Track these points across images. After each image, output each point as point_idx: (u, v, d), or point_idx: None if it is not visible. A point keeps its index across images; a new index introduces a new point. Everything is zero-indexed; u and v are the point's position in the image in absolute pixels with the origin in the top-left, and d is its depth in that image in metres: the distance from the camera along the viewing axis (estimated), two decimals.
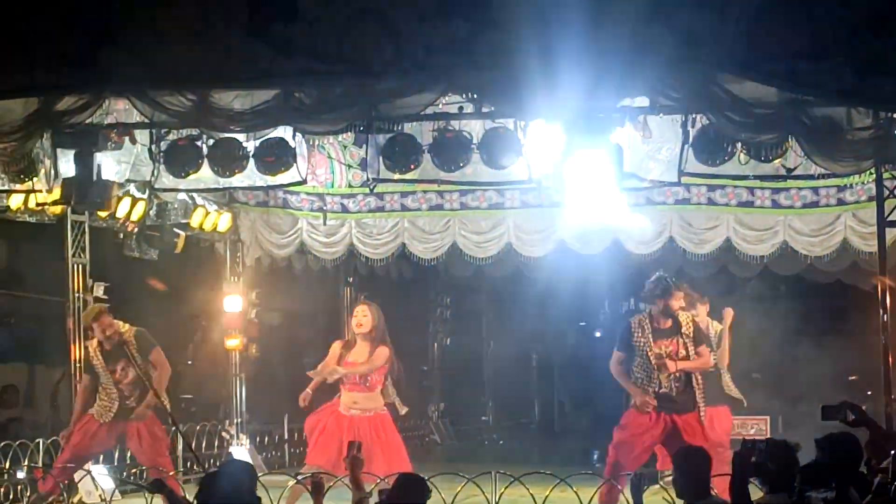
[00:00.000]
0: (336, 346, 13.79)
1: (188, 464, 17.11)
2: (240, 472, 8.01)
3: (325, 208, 17.60)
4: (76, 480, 14.27)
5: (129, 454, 15.43)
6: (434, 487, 11.80)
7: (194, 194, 16.27)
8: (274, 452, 19.24)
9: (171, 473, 13.77)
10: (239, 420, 18.61)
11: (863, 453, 8.27)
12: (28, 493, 14.31)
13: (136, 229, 16.66)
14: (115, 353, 13.85)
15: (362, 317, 13.60)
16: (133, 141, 12.39)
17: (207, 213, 17.24)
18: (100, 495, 14.26)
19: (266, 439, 19.25)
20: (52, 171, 12.05)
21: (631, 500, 8.74)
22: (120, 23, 11.13)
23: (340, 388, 13.69)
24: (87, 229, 15.88)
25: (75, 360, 15.56)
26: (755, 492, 8.05)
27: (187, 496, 8.66)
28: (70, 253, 15.78)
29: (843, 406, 8.57)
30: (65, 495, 13.91)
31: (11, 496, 14.76)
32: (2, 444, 14.93)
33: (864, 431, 8.55)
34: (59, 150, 11.97)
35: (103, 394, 13.95)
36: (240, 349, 18.66)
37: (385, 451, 13.36)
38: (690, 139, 11.30)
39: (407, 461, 13.47)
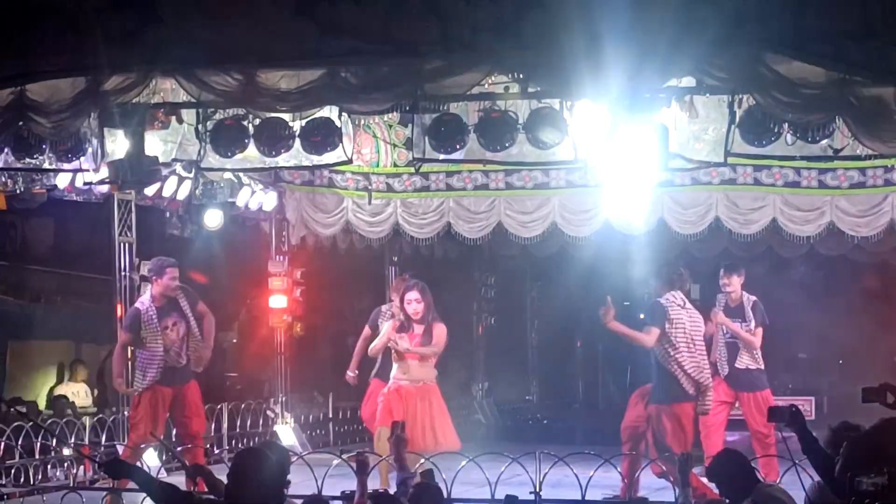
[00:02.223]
0: (389, 328, 13.72)
1: (233, 442, 17.25)
2: (263, 461, 7.63)
3: (370, 187, 17.62)
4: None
5: (174, 432, 15.55)
6: (479, 467, 11.94)
7: (240, 174, 16.31)
8: (318, 431, 19.31)
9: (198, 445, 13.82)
10: (283, 398, 18.68)
11: None
12: (74, 470, 14.35)
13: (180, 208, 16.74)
14: (166, 307, 13.87)
15: (416, 304, 13.56)
16: (179, 120, 12.42)
17: (253, 193, 17.32)
18: None
19: (311, 417, 19.31)
20: (100, 151, 12.10)
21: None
22: (167, 2, 11.18)
23: (393, 360, 13.70)
24: (133, 208, 15.96)
25: None
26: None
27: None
28: (116, 232, 15.87)
29: (884, 388, 8.52)
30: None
31: (58, 472, 14.88)
32: (49, 420, 15.04)
33: None
34: (106, 130, 12.02)
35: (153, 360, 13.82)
36: (284, 328, 18.73)
37: (432, 424, 13.39)
38: (737, 119, 11.24)
39: (453, 434, 13.50)
